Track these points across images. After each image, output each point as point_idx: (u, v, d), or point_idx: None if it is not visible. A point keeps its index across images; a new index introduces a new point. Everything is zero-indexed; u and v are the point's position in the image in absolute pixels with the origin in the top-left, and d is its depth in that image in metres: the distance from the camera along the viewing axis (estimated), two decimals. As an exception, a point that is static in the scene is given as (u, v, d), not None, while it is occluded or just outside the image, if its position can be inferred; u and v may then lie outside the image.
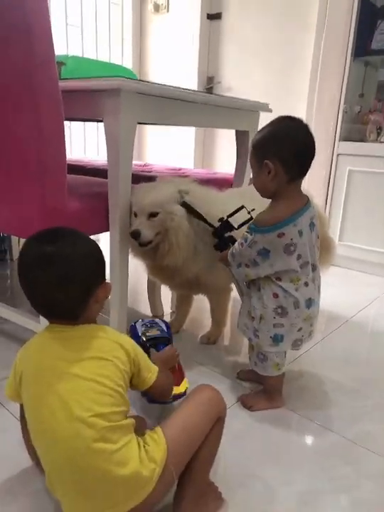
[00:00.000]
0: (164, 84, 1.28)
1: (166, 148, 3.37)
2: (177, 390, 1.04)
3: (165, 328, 1.24)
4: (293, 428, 1.13)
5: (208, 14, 3.04)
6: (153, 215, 1.24)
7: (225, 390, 1.27)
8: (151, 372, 0.84)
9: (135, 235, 1.24)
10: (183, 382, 1.10)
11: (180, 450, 0.76)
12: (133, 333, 1.22)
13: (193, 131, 3.19)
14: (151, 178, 1.39)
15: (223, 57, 3.05)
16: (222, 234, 1.23)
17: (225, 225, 1.23)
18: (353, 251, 2.45)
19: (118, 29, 3.35)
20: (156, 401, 1.02)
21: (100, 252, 0.82)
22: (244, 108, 1.66)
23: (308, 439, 1.10)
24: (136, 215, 1.27)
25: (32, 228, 1.24)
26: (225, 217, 1.23)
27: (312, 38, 2.51)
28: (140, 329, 1.21)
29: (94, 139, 3.29)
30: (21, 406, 0.83)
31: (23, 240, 2.42)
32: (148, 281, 1.71)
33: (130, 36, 3.38)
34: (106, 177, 1.28)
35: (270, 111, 1.78)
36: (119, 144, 1.22)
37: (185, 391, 1.06)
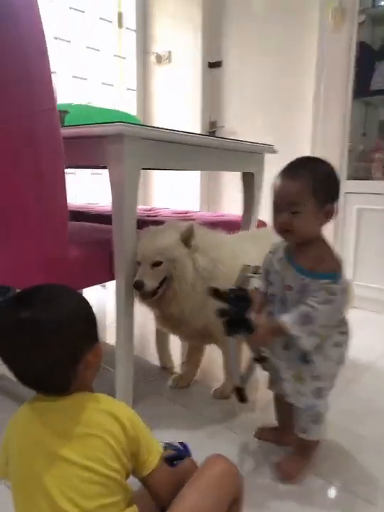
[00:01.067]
0: (168, 129, 1.26)
1: (172, 191, 3.37)
2: None
3: (181, 447, 0.93)
4: (317, 496, 1.01)
5: (209, 63, 3.12)
6: (156, 264, 1.19)
7: (240, 451, 1.15)
8: (151, 454, 0.70)
9: (138, 285, 1.18)
10: None
11: None
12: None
13: (198, 174, 3.20)
14: (157, 223, 1.34)
15: (225, 102, 3.11)
16: (238, 312, 0.93)
17: (239, 296, 0.95)
18: (367, 291, 2.36)
19: (123, 80, 3.45)
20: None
21: (88, 311, 0.71)
22: (249, 150, 1.64)
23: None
24: (139, 264, 1.21)
25: (30, 278, 1.19)
26: (227, 289, 0.98)
27: (312, 81, 2.55)
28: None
29: (100, 186, 3.31)
30: None
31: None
32: (157, 330, 1.63)
33: (134, 86, 3.48)
34: (109, 222, 1.24)
35: (275, 152, 1.76)
36: (124, 189, 1.18)
37: None
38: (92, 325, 0.71)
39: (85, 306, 0.71)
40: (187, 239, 1.21)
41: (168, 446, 0.89)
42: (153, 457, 0.70)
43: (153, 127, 1.22)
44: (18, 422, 0.69)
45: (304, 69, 2.62)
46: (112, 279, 1.29)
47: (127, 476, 0.69)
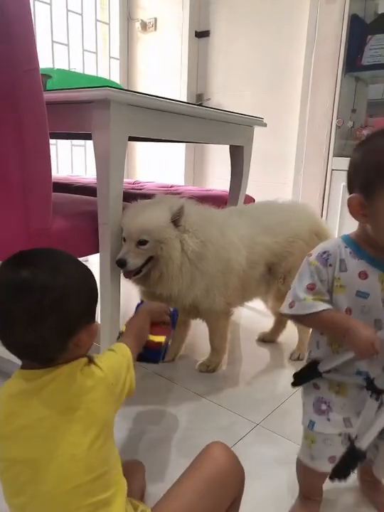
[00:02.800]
0: (156, 96, 1.20)
1: (156, 165, 3.30)
2: (151, 337, 0.89)
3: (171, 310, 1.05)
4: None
5: (196, 32, 3.02)
6: (142, 242, 1.14)
7: (227, 426, 1.16)
8: (129, 373, 0.70)
9: (121, 263, 1.14)
10: (161, 336, 0.92)
11: None
12: (136, 307, 1.05)
13: (183, 147, 3.13)
14: (145, 197, 1.30)
15: (212, 74, 3.02)
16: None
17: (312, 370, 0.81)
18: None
19: (105, 48, 3.32)
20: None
21: (92, 283, 0.67)
22: (239, 123, 1.60)
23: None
24: (125, 240, 1.17)
25: (13, 249, 1.14)
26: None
27: (302, 54, 2.49)
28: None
29: (82, 158, 3.21)
30: None
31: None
32: (141, 304, 1.61)
33: (117, 54, 3.35)
34: (94, 195, 1.18)
35: (265, 125, 1.72)
36: (110, 158, 1.13)
37: (160, 343, 0.90)
38: (94, 301, 0.67)
39: (88, 276, 0.66)
40: (177, 219, 1.16)
41: None
42: (133, 382, 0.71)
43: (141, 93, 1.17)
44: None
45: (295, 41, 2.56)
46: (97, 252, 1.26)
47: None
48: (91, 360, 0.66)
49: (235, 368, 1.51)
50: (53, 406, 0.61)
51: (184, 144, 3.06)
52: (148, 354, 0.89)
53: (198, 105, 1.40)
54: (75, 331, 0.62)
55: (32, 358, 0.63)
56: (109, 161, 1.14)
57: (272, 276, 1.40)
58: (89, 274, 0.66)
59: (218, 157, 3.07)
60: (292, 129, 2.58)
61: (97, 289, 0.68)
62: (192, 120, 1.38)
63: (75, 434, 0.60)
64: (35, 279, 0.58)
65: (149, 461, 0.96)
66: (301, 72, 2.51)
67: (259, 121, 1.68)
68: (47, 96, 1.05)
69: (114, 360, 0.70)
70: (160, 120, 1.26)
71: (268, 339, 1.68)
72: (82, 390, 0.62)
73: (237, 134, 1.63)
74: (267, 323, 1.74)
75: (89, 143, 3.44)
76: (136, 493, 0.79)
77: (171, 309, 1.02)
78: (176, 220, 1.16)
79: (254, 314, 1.93)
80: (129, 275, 1.19)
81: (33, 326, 0.58)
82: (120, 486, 0.64)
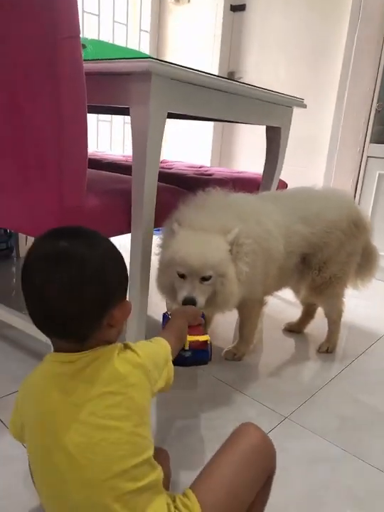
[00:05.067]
0: (198, 70, 1.14)
1: (182, 143, 3.22)
2: (195, 337, 0.90)
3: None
4: (340, 469, 0.99)
5: (231, 5, 2.89)
6: (206, 278, 1.06)
7: (253, 418, 1.13)
8: (169, 367, 0.71)
9: (190, 302, 1.04)
10: (204, 336, 0.93)
11: None
12: (163, 318, 1.07)
13: (211, 126, 3.05)
14: (172, 176, 1.24)
15: (246, 51, 2.90)
16: None
17: None
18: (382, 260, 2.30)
19: (136, 20, 3.21)
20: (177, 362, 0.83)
21: (123, 260, 0.68)
22: (279, 103, 1.52)
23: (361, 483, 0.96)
24: (182, 276, 1.07)
25: (46, 227, 1.11)
26: None
27: (344, 33, 2.36)
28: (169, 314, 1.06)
29: (107, 134, 3.16)
30: None
31: (31, 238, 2.30)
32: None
33: (148, 27, 3.24)
34: (124, 172, 1.15)
35: (305, 106, 1.64)
36: (148, 135, 1.08)
37: (206, 342, 0.92)
38: (125, 278, 0.67)
39: (121, 256, 0.67)
40: (232, 247, 1.10)
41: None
42: (171, 374, 0.71)
43: (184, 67, 1.11)
44: (32, 389, 0.64)
45: (337, 19, 2.41)
46: (128, 231, 1.22)
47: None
48: (126, 346, 0.66)
49: (261, 358, 1.48)
50: (92, 391, 0.59)
51: (212, 122, 2.97)
52: (197, 355, 0.90)
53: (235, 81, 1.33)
54: (110, 304, 0.62)
55: (67, 334, 0.61)
56: (146, 138, 1.08)
57: (305, 266, 1.35)
58: (119, 252, 0.67)
59: (246, 137, 2.98)
60: (328, 112, 2.47)
61: (126, 267, 0.69)
62: (232, 98, 1.31)
63: (116, 418, 0.58)
64: (74, 249, 0.60)
65: (174, 450, 0.94)
66: (341, 52, 2.38)
67: (299, 102, 1.60)
68: (84, 66, 1.00)
69: (151, 348, 0.70)
70: (200, 96, 1.20)
71: (295, 329, 1.63)
72: (120, 375, 0.61)
73: (276, 114, 1.55)
74: (294, 312, 1.70)
75: (116, 118, 3.35)
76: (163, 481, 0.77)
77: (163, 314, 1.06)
78: (231, 249, 1.10)
79: (281, 303, 1.89)
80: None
81: (73, 294, 0.58)
82: (159, 472, 0.62)
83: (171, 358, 0.72)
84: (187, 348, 0.88)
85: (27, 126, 1.02)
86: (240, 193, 1.27)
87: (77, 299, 0.58)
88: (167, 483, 0.82)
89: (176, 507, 0.60)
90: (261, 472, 0.68)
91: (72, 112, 0.97)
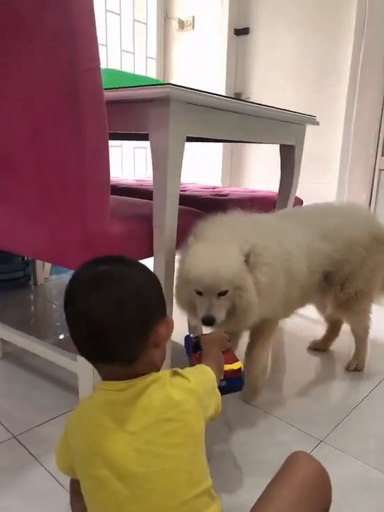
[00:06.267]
0: (214, 93, 1.15)
1: (192, 165, 3.25)
2: (228, 366, 0.90)
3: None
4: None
5: (235, 29, 2.96)
6: (222, 293, 1.03)
7: (288, 442, 1.09)
8: (216, 394, 0.70)
9: (209, 321, 1.01)
10: (237, 362, 0.93)
11: None
12: (186, 341, 1.07)
13: (221, 146, 3.08)
14: (187, 199, 1.24)
15: (252, 72, 2.95)
16: None
17: None
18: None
19: (142, 47, 3.30)
20: None
21: (159, 282, 0.70)
22: (293, 121, 1.53)
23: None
24: (199, 293, 1.04)
25: (69, 254, 1.11)
26: None
27: (349, 49, 2.39)
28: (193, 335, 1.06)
29: (118, 159, 3.20)
30: (71, 479, 0.67)
31: (48, 265, 2.31)
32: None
33: (154, 54, 3.33)
34: (140, 197, 1.15)
35: (317, 123, 1.65)
36: (168, 160, 1.09)
37: (239, 369, 0.93)
38: (162, 294, 0.70)
39: (157, 277, 0.70)
40: (248, 258, 1.06)
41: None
42: (219, 402, 0.71)
43: (200, 91, 1.12)
44: (83, 420, 0.63)
45: (341, 35, 2.45)
46: (150, 255, 1.22)
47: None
48: (176, 372, 0.65)
49: (287, 378, 1.45)
50: (147, 418, 0.59)
51: (221, 143, 3.01)
52: (230, 384, 0.89)
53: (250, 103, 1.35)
54: (153, 321, 0.64)
55: (115, 356, 0.62)
56: (166, 163, 1.09)
57: (328, 284, 1.32)
58: (150, 271, 0.71)
59: (255, 156, 3.00)
60: (337, 128, 2.48)
61: (161, 286, 0.71)
62: (246, 119, 1.32)
63: (174, 446, 0.57)
64: (113, 270, 0.63)
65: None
66: (347, 67, 2.41)
67: (312, 120, 1.61)
68: (106, 95, 1.01)
69: (200, 375, 0.70)
70: (216, 119, 1.21)
71: (320, 348, 1.60)
72: (174, 401, 0.60)
73: (290, 132, 1.56)
74: (317, 330, 1.67)
75: (126, 143, 3.39)
76: None
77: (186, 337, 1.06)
78: (247, 260, 1.06)
79: (303, 321, 1.86)
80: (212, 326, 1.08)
81: (117, 312, 0.60)
82: (219, 504, 0.60)
83: (216, 384, 0.71)
84: (222, 377, 0.86)
85: (50, 156, 1.03)
86: (259, 214, 1.26)
87: (121, 316, 0.60)
88: None
89: None
90: (318, 506, 0.65)
91: (94, 140, 0.99)
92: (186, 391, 0.62)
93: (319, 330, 1.65)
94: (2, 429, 1.10)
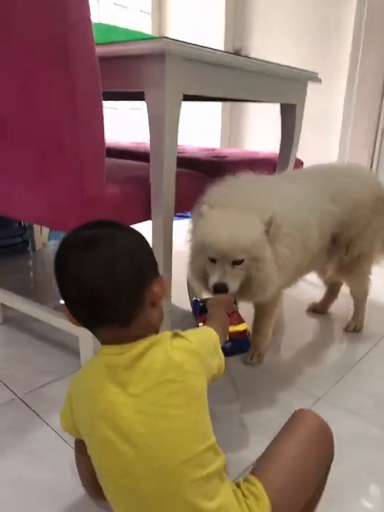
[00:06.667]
0: (212, 48, 1.10)
1: (191, 125, 3.16)
2: (234, 328, 0.90)
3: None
4: (381, 449, 0.98)
5: (234, -20, 2.80)
6: (238, 262, 0.98)
7: (287, 400, 1.12)
8: (219, 353, 0.70)
9: (222, 288, 0.97)
10: (242, 324, 0.94)
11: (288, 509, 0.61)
12: (194, 305, 1.05)
13: (220, 107, 2.99)
14: (185, 160, 1.20)
15: (251, 29, 2.82)
16: None
17: None
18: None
19: (137, 1, 3.13)
20: None
21: (149, 245, 0.71)
22: (295, 78, 1.47)
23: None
24: (213, 261, 1.00)
25: (67, 218, 1.09)
26: None
27: (354, 5, 2.27)
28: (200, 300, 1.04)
29: (116, 121, 3.11)
30: (76, 439, 0.69)
31: (46, 230, 2.29)
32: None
33: (150, 9, 3.16)
34: (137, 159, 1.13)
35: (320, 81, 1.59)
36: (165, 119, 1.05)
37: (245, 331, 0.93)
38: (153, 254, 0.69)
39: (146, 240, 0.69)
40: (269, 228, 1.01)
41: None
42: (222, 362, 0.70)
43: (197, 45, 1.07)
44: (86, 385, 0.64)
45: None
46: (148, 219, 1.20)
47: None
48: (177, 334, 0.65)
49: (287, 340, 1.47)
50: (149, 380, 0.59)
51: (220, 103, 2.91)
52: (236, 345, 0.89)
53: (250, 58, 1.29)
54: (146, 279, 0.64)
55: (110, 317, 0.61)
56: (164, 122, 1.05)
57: (333, 246, 1.30)
58: (140, 233, 0.69)
59: (254, 116, 2.92)
60: (339, 87, 2.40)
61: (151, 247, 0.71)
62: (247, 76, 1.27)
63: (177, 406, 0.58)
64: (102, 232, 0.63)
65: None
66: (351, 24, 2.30)
67: (314, 76, 1.55)
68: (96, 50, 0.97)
69: (201, 335, 0.70)
70: (215, 76, 1.16)
71: (319, 310, 1.61)
72: (175, 363, 0.61)
73: (291, 90, 1.50)
74: (315, 292, 1.67)
75: (122, 105, 3.27)
76: None
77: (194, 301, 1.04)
78: (267, 231, 1.01)
79: (301, 283, 1.86)
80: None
81: (108, 271, 0.59)
82: (223, 459, 0.62)
83: (219, 345, 0.71)
84: (227, 338, 0.85)
85: (42, 114, 1.00)
86: (269, 176, 1.22)
87: (112, 275, 0.60)
88: None
89: (243, 494, 0.59)
90: (323, 458, 0.67)
91: (87, 97, 0.95)
92: (187, 352, 0.63)
93: (317, 292, 1.66)
94: (6, 390, 1.12)
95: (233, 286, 0.99)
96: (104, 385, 0.60)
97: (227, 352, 0.80)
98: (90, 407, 0.61)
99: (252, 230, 0.99)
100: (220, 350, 0.71)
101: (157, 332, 0.67)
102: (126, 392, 0.59)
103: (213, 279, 0.99)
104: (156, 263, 0.69)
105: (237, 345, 0.90)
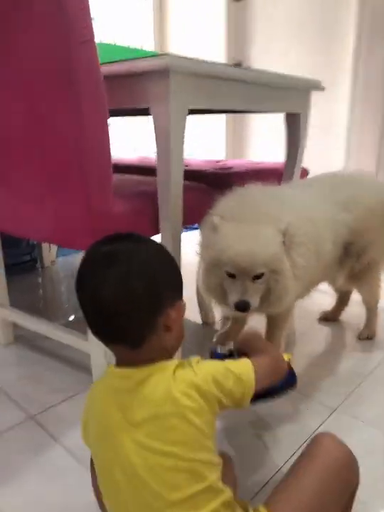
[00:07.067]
0: (216, 62, 1.11)
1: (196, 138, 3.18)
2: None
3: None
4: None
5: (233, -6, 2.84)
6: (258, 276, 0.96)
7: (302, 412, 1.10)
8: (245, 388, 0.62)
9: (244, 306, 0.94)
10: (289, 355, 0.83)
11: None
12: (214, 357, 0.93)
13: (224, 118, 3.01)
14: (190, 173, 1.17)
15: (252, 39, 2.84)
16: None
17: None
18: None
19: (139, 20, 3.18)
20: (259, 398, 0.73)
21: (174, 261, 0.68)
22: (298, 87, 1.48)
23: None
24: (232, 276, 0.96)
25: (75, 236, 1.10)
26: None
27: (354, 13, 2.28)
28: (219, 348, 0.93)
29: (117, 136, 3.14)
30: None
31: (54, 247, 2.30)
32: (198, 286, 1.55)
33: (151, 26, 3.21)
34: (144, 174, 1.14)
35: (323, 89, 1.59)
36: (170, 134, 1.06)
37: (290, 361, 0.81)
38: (178, 275, 0.67)
39: (170, 254, 0.68)
40: (285, 238, 0.99)
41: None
42: (247, 390, 0.62)
43: (201, 60, 1.08)
44: (93, 404, 0.64)
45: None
46: (157, 233, 1.20)
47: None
48: (185, 363, 0.62)
49: (299, 349, 1.45)
50: (147, 410, 0.57)
51: (224, 114, 2.93)
52: (285, 380, 0.76)
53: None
54: (162, 300, 0.61)
55: (122, 335, 0.60)
56: (169, 137, 1.06)
57: (345, 255, 1.28)
58: (167, 250, 0.69)
59: (257, 126, 2.93)
60: (343, 94, 2.40)
61: (178, 267, 0.69)
62: (250, 87, 1.28)
63: (172, 443, 0.55)
64: (120, 248, 0.62)
65: (229, 451, 0.92)
66: (352, 30, 2.31)
67: (318, 84, 1.55)
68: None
69: (213, 366, 0.63)
70: (220, 89, 1.17)
71: (330, 318, 1.60)
72: (172, 396, 0.57)
73: (295, 100, 1.51)
74: (326, 301, 1.66)
75: (129, 120, 3.28)
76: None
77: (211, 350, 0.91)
78: (284, 241, 0.99)
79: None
80: (247, 311, 0.98)
81: (124, 288, 0.58)
82: (227, 494, 0.58)
83: (248, 373, 0.64)
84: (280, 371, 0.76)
85: (48, 136, 1.01)
86: (278, 187, 1.22)
87: (127, 293, 0.58)
88: (235, 491, 0.79)
89: None
90: (345, 488, 0.64)
91: (93, 116, 0.96)
92: (189, 385, 0.58)
93: (328, 300, 1.64)
94: (19, 410, 1.11)
95: (254, 302, 0.96)
96: (107, 407, 0.60)
97: (271, 393, 0.73)
98: (96, 427, 0.61)
99: (270, 242, 0.96)
100: (247, 380, 0.63)
101: (171, 357, 0.65)
102: (126, 419, 0.58)
103: (234, 297, 0.96)
104: (178, 285, 0.66)
105: (285, 381, 0.77)
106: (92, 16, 0.94)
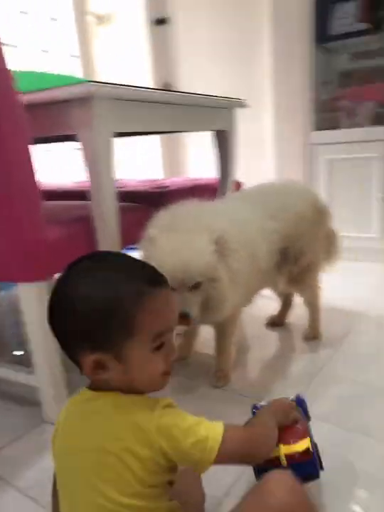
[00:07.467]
0: (138, 86, 1.14)
1: (132, 159, 3.21)
2: (290, 448, 0.70)
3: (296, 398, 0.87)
4: (350, 450, 1.00)
5: (156, 19, 2.92)
6: (196, 286, 0.98)
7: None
8: (205, 448, 0.56)
9: (185, 317, 0.96)
10: (304, 441, 0.72)
11: None
12: (254, 408, 0.87)
13: (158, 139, 3.06)
14: (127, 195, 1.22)
15: (178, 62, 2.94)
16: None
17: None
18: (344, 240, 2.37)
19: (64, 46, 3.19)
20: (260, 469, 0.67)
21: (105, 304, 0.56)
22: (222, 106, 1.55)
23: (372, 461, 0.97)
24: (172, 289, 0.93)
25: (10, 268, 1.07)
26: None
27: (269, 31, 2.44)
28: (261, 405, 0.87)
29: (48, 163, 3.10)
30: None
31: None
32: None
33: (75, 52, 3.23)
34: (82, 199, 1.14)
35: (246, 106, 1.68)
36: (98, 158, 1.07)
37: (307, 450, 0.71)
38: (98, 325, 0.56)
39: (104, 300, 0.56)
40: (217, 246, 1.02)
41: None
42: (206, 457, 0.57)
43: (123, 85, 1.10)
44: (62, 415, 0.64)
45: (260, 19, 2.49)
46: (96, 257, 1.20)
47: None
48: (152, 403, 0.58)
49: (250, 355, 1.48)
50: (91, 441, 0.57)
51: (158, 135, 2.99)
52: (300, 470, 0.67)
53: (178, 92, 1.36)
54: (72, 351, 0.60)
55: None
56: (97, 161, 1.07)
57: (283, 260, 1.33)
58: (108, 293, 0.57)
59: (194, 145, 3.01)
60: (267, 109, 2.54)
61: (111, 314, 0.56)
62: (175, 109, 1.32)
63: (104, 481, 0.54)
64: (69, 275, 0.62)
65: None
66: (269, 48, 2.46)
67: (240, 103, 1.64)
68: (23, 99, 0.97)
69: (175, 418, 0.58)
70: (144, 112, 1.20)
71: (277, 322, 1.65)
72: (116, 435, 0.55)
73: (220, 118, 1.58)
74: (272, 306, 1.71)
75: (65, 146, 3.23)
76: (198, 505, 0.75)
77: (296, 397, 0.84)
78: (216, 249, 1.02)
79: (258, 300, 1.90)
80: (188, 322, 0.99)
81: (58, 309, 0.61)
82: None
83: (214, 440, 0.57)
84: (284, 463, 0.68)
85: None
86: (211, 200, 1.25)
87: (53, 321, 0.61)
88: (201, 507, 0.77)
89: None
90: None
91: (14, 148, 0.95)
92: (139, 428, 0.55)
93: (273, 305, 1.69)
94: (-35, 458, 1.05)
95: (194, 311, 0.99)
96: (65, 427, 0.62)
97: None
98: (58, 443, 0.62)
99: (203, 251, 1.00)
100: (209, 447, 0.57)
101: (140, 392, 0.61)
102: (74, 442, 0.59)
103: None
104: (93, 329, 0.56)
105: (300, 472, 0.65)
106: (15, 44, 0.94)
